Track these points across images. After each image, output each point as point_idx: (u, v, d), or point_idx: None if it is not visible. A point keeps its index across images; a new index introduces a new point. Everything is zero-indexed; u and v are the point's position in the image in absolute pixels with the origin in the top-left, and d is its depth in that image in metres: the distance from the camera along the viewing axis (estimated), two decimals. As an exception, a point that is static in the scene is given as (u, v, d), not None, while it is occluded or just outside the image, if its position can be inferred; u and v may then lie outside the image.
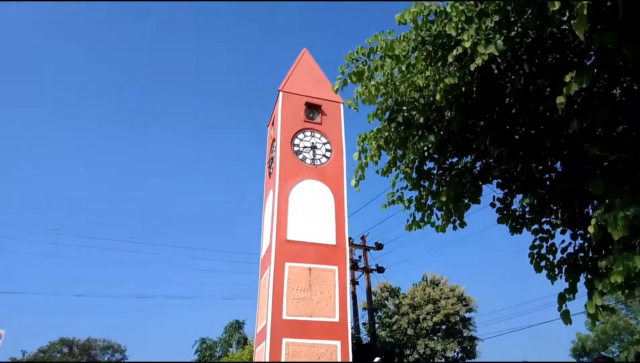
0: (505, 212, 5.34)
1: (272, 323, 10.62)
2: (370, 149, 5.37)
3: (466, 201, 5.31)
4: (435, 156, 5.29)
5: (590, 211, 4.72)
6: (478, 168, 5.21)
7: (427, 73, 4.53)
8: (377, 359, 13.44)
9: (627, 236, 3.50)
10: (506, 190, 5.30)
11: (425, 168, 5.39)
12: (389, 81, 4.96)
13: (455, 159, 5.32)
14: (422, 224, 5.52)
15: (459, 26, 4.11)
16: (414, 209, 5.54)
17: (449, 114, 4.92)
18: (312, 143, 13.20)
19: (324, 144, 13.31)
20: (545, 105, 4.06)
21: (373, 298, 21.01)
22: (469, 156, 5.25)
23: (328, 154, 13.19)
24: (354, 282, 19.84)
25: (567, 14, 3.82)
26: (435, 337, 25.05)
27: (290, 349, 10.47)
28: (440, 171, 5.33)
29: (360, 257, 20.12)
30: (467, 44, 3.89)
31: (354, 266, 19.61)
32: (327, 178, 12.78)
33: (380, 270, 19.77)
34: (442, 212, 5.41)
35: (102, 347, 43.10)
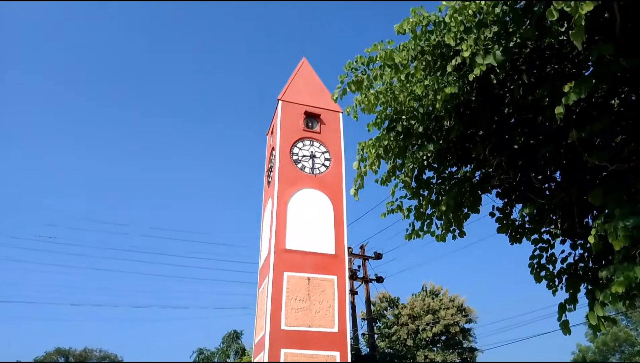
0: (504, 222, 5.34)
1: (270, 333, 10.55)
2: (370, 158, 5.37)
3: (466, 210, 5.30)
4: (435, 165, 5.29)
5: (590, 221, 4.71)
6: (477, 178, 5.22)
7: (426, 82, 4.55)
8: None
9: (628, 246, 3.50)
10: (505, 200, 5.30)
11: (425, 177, 5.40)
12: (388, 90, 4.98)
13: (454, 169, 5.33)
14: (421, 233, 5.50)
15: (458, 36, 4.15)
16: (413, 218, 5.54)
17: (448, 124, 4.94)
18: (311, 152, 13.22)
19: (323, 153, 13.33)
20: (544, 115, 4.08)
21: (372, 308, 20.89)
22: (469, 166, 5.26)
23: (327, 163, 13.20)
24: (353, 292, 19.72)
25: (565, 24, 3.86)
26: (435, 348, 24.86)
27: (289, 360, 10.39)
28: (440, 181, 5.33)
29: (359, 267, 20.03)
30: (466, 54, 3.92)
31: (353, 275, 19.51)
32: (326, 187, 12.78)
33: (379, 279, 19.68)
34: (442, 221, 5.40)
35: (99, 357, 42.69)
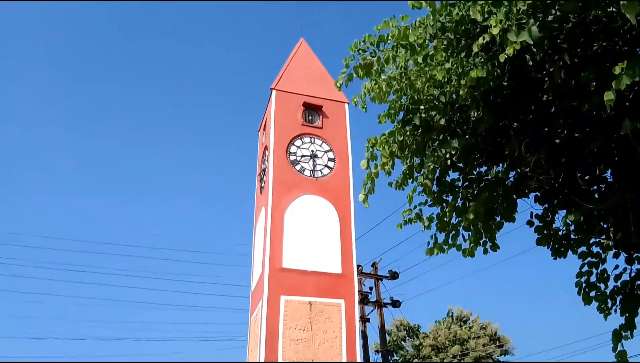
0: (545, 232, 5.34)
1: (264, 369, 10.54)
2: (382, 157, 5.39)
3: (498, 219, 5.30)
4: (460, 164, 5.30)
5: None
6: (512, 179, 5.22)
7: (449, 65, 4.56)
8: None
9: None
10: (546, 205, 5.30)
11: (449, 179, 5.41)
12: (403, 74, 5.00)
13: (484, 169, 5.34)
14: (445, 247, 5.51)
15: (486, 9, 4.16)
16: (435, 229, 5.54)
17: (475, 115, 4.95)
18: (312, 151, 13.26)
19: (325, 152, 13.37)
20: (591, 103, 4.08)
21: (387, 338, 20.87)
22: (501, 165, 5.27)
23: (331, 164, 13.24)
24: (364, 319, 19.71)
25: (615, -7, 3.86)
26: (464, 386, 24.81)
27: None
28: (467, 183, 5.34)
29: (371, 289, 20.04)
30: (495, 31, 3.93)
31: (364, 299, 19.51)
32: (330, 193, 12.81)
33: (395, 304, 19.67)
34: (470, 232, 5.41)
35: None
